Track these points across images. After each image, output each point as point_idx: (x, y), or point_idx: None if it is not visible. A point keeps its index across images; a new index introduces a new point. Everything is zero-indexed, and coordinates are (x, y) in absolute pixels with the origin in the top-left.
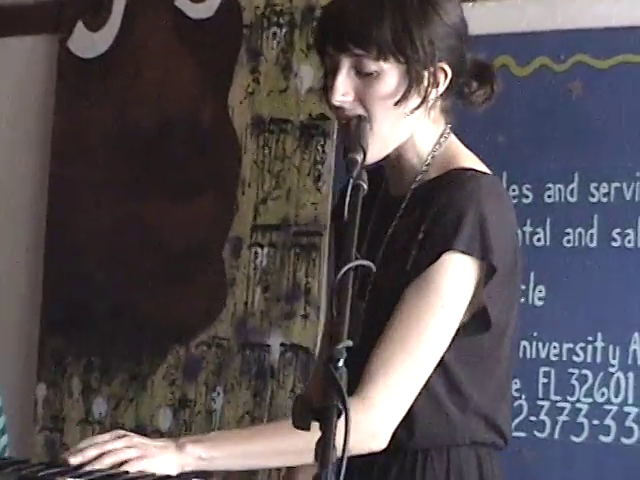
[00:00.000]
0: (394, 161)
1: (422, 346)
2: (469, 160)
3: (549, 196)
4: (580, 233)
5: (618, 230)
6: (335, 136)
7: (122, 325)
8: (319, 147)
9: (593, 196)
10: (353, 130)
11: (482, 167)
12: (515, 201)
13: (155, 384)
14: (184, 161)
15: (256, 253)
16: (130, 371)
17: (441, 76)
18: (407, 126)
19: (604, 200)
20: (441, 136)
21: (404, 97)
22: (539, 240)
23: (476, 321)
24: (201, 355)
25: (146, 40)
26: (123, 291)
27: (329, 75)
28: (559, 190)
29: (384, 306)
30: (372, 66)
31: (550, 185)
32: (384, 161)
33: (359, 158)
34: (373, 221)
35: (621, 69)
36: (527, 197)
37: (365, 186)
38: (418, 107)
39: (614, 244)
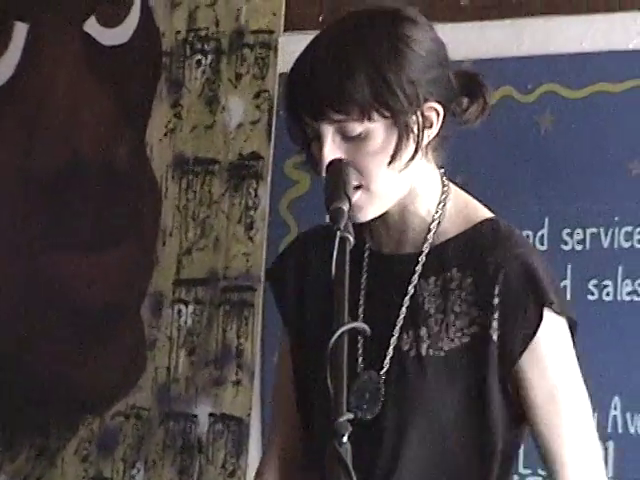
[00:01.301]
0: (394, 215)
1: (593, 436)
2: (482, 207)
3: None
4: None
5: (595, 282)
6: (269, 178)
7: (26, 393)
8: (251, 190)
9: (566, 243)
10: (335, 176)
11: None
12: None
13: (66, 460)
14: (96, 206)
15: (180, 311)
16: (37, 446)
17: (432, 115)
18: (407, 178)
19: (579, 248)
20: (443, 188)
21: (396, 153)
22: None
23: None
24: (118, 427)
25: (52, 70)
26: (27, 354)
27: (313, 142)
28: (527, 237)
29: (422, 376)
30: (357, 128)
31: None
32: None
33: (345, 207)
34: (369, 283)
35: (596, 99)
36: None
37: (352, 239)
38: (413, 157)
39: (590, 297)
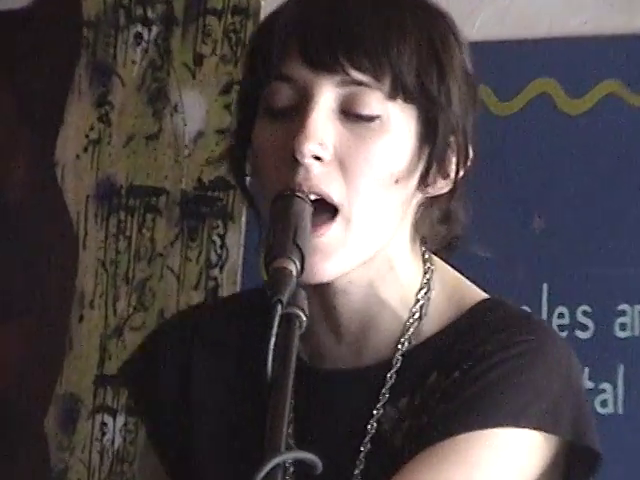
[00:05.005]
0: (354, 307)
1: None
2: (475, 288)
3: None
4: None
5: None
6: (244, 218)
7: None
8: (216, 237)
9: None
10: (283, 216)
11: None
12: None
13: None
14: None
15: (104, 425)
16: None
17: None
18: (396, 219)
19: None
20: (425, 264)
21: (427, 170)
22: None
23: None
24: None
25: None
26: None
27: (264, 120)
28: None
29: None
30: (377, 106)
31: None
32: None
33: (292, 267)
34: (303, 415)
35: None
36: None
37: (304, 317)
38: (445, 196)
39: None
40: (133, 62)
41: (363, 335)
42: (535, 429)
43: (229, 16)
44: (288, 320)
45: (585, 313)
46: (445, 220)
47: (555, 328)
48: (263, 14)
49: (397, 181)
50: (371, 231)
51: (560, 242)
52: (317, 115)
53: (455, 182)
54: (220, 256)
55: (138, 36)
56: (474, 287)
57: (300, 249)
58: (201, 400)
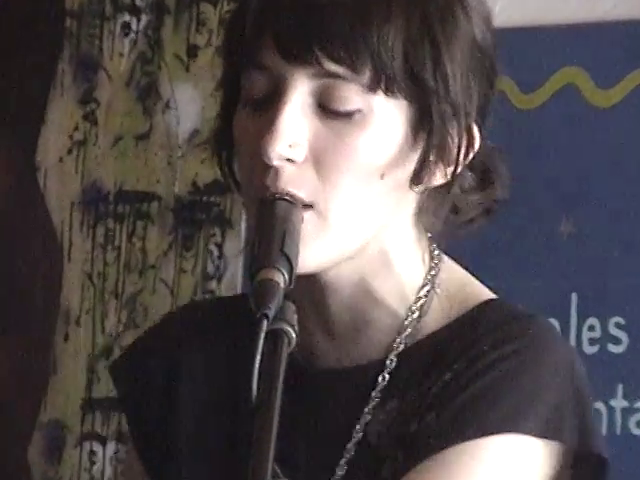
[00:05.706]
0: (344, 301)
1: None
2: (487, 290)
3: None
4: None
5: None
6: (243, 225)
7: None
8: (213, 246)
9: None
10: (270, 221)
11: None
12: None
13: None
14: None
15: (93, 453)
16: None
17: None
18: (383, 214)
19: None
20: (432, 260)
21: (423, 161)
22: None
23: None
24: None
25: None
26: None
27: (243, 112)
28: None
29: None
30: (355, 100)
31: None
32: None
33: (279, 279)
34: (290, 418)
35: None
36: None
37: (293, 333)
38: (418, 178)
39: None
40: (121, 55)
41: (356, 333)
42: (535, 436)
43: (225, 3)
44: (275, 337)
45: (618, 325)
46: (480, 186)
47: (585, 342)
48: None
49: (383, 175)
50: (351, 228)
51: (590, 247)
52: (288, 113)
53: (455, 171)
54: (218, 267)
55: (126, 26)
56: (483, 288)
57: (288, 258)
58: (187, 401)
